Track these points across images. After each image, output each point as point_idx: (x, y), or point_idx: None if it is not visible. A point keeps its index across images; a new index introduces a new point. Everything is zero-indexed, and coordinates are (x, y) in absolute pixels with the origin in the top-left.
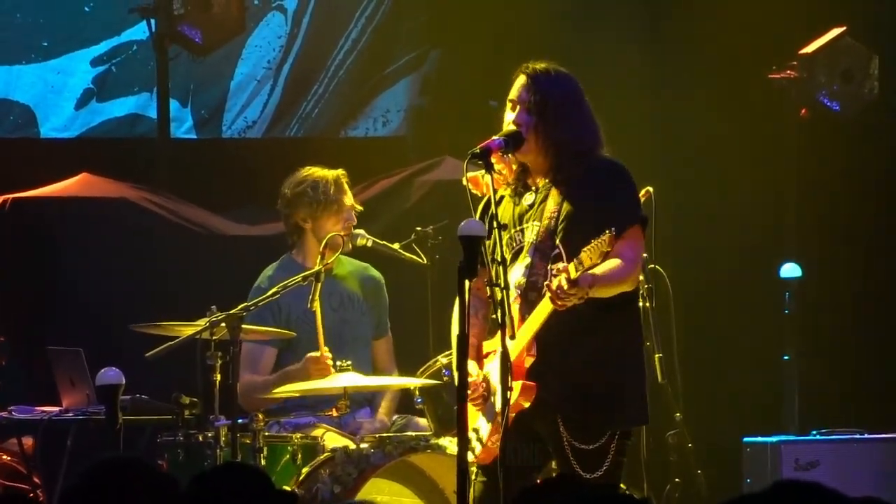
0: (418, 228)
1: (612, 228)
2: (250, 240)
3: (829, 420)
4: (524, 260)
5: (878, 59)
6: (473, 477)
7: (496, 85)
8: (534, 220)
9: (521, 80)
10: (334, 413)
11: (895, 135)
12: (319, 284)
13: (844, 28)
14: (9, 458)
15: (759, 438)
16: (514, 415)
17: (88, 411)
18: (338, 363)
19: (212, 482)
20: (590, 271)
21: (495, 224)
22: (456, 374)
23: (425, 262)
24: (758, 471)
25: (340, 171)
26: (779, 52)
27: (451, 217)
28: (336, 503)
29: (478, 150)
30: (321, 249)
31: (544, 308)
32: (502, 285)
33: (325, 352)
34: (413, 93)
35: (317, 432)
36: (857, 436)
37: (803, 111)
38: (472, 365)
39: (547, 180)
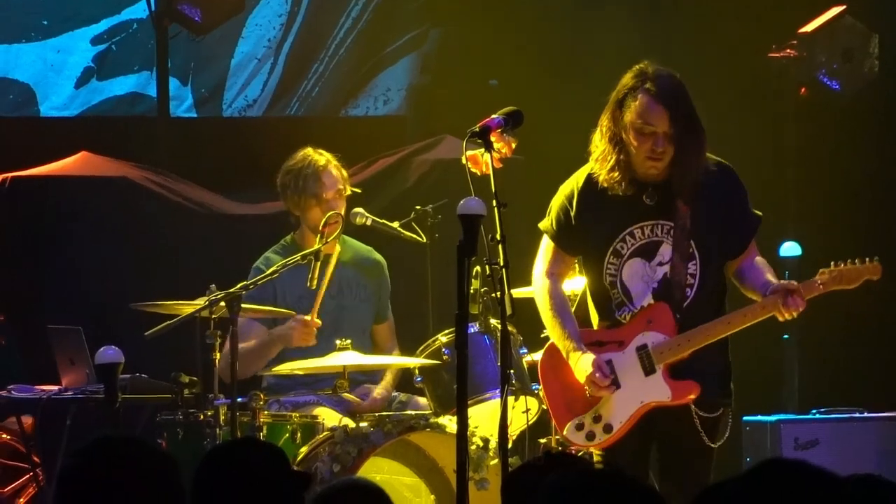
0: (418, 207)
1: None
2: (250, 218)
3: (828, 399)
4: (657, 257)
5: (877, 37)
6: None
7: (496, 64)
8: (662, 220)
9: (644, 102)
10: (335, 391)
11: (894, 113)
12: (319, 263)
13: (844, 7)
14: (8, 437)
15: (759, 417)
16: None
17: (88, 390)
18: (337, 342)
19: (228, 456)
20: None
21: (495, 203)
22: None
23: (425, 240)
24: (757, 450)
25: (326, 161)
26: (779, 31)
27: (450, 196)
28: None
29: (477, 129)
30: (320, 228)
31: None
32: (501, 264)
33: (316, 320)
34: (413, 72)
35: (316, 411)
36: (857, 414)
37: (803, 90)
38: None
39: (664, 180)
